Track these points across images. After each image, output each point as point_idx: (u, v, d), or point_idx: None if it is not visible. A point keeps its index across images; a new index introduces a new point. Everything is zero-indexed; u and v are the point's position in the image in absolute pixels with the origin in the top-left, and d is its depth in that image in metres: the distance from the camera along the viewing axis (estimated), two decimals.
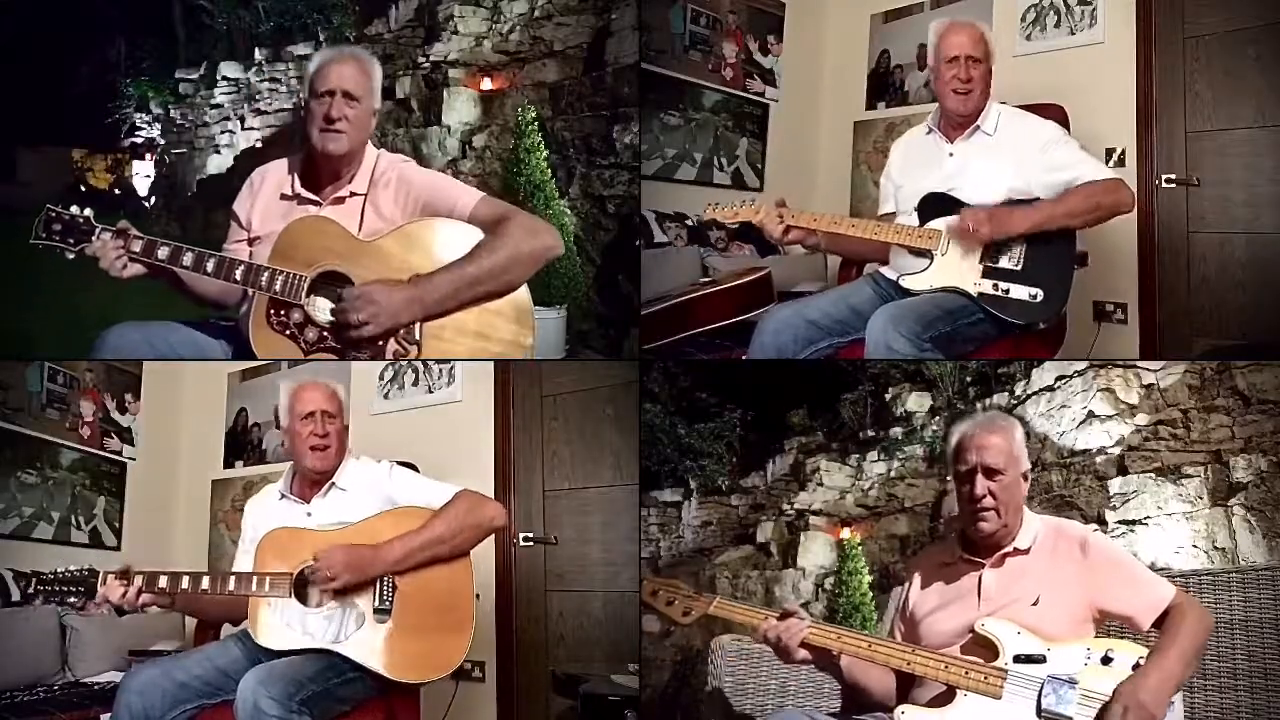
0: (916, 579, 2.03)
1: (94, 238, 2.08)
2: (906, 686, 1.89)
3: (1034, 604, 1.83)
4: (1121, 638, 1.83)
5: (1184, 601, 1.81)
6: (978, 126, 2.60)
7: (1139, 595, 1.82)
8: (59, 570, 2.17)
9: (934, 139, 2.67)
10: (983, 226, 2.43)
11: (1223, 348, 3.44)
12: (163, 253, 2.10)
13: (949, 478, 4.30)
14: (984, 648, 1.81)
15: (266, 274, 2.09)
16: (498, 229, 2.12)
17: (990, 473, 1.87)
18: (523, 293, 2.17)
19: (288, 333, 2.10)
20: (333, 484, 2.38)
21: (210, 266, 2.10)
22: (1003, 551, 1.91)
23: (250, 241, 2.25)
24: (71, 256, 2.09)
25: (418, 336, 2.10)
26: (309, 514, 2.36)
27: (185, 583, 2.19)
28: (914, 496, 4.47)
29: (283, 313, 2.10)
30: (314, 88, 2.18)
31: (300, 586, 2.22)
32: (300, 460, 2.39)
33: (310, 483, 2.40)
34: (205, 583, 2.20)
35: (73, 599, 2.19)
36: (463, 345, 2.13)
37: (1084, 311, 3.59)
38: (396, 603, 2.22)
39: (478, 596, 2.33)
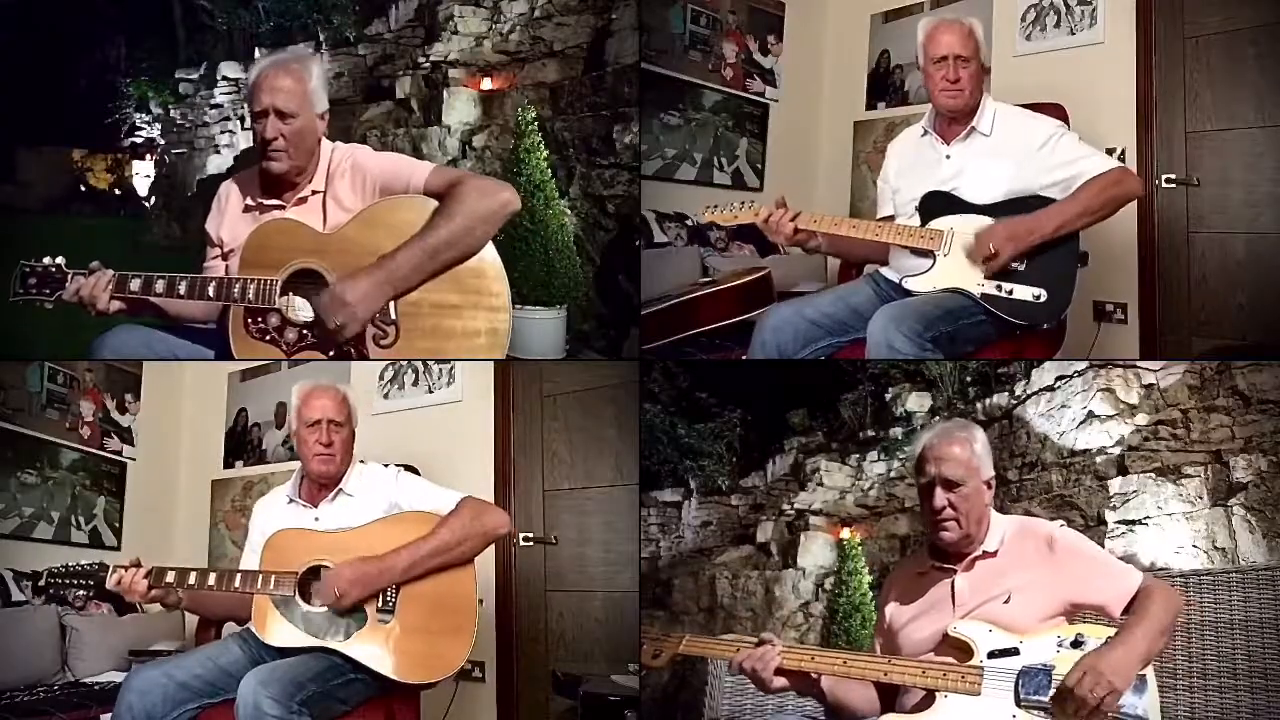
0: (892, 593, 2.05)
1: (67, 283, 2.14)
2: (891, 698, 1.91)
3: (1005, 602, 1.86)
4: (1092, 622, 1.85)
5: (1152, 585, 1.84)
6: (974, 128, 2.58)
7: (1108, 584, 1.85)
8: (69, 565, 2.23)
9: (930, 141, 2.65)
10: (1004, 247, 2.38)
11: (1223, 348, 3.44)
12: (135, 284, 2.14)
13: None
14: (958, 650, 1.84)
15: (238, 285, 2.12)
16: (451, 195, 2.13)
17: (949, 484, 1.90)
18: (490, 252, 2.17)
19: (267, 338, 2.13)
20: (340, 490, 2.41)
21: (182, 289, 2.14)
22: (972, 556, 1.93)
23: (224, 256, 2.28)
24: (50, 306, 2.16)
25: (393, 316, 2.12)
26: (316, 519, 2.39)
27: (192, 579, 2.23)
28: (914, 496, 4.46)
29: (260, 319, 2.13)
30: (251, 106, 2.20)
31: (305, 585, 2.24)
32: (306, 464, 2.42)
33: (318, 487, 2.43)
34: (212, 579, 2.24)
35: (82, 592, 2.23)
36: (440, 317, 2.15)
37: (1084, 311, 3.59)
38: (399, 604, 2.24)
39: (480, 602, 2.35)
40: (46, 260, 2.15)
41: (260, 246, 2.15)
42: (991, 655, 1.79)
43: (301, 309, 2.12)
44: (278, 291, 2.12)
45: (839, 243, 2.67)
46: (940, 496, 1.89)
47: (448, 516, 2.30)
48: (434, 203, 2.15)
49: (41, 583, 2.24)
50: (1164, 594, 1.82)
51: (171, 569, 2.24)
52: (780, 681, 1.88)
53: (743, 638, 1.97)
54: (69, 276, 2.14)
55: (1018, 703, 1.74)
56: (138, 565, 2.23)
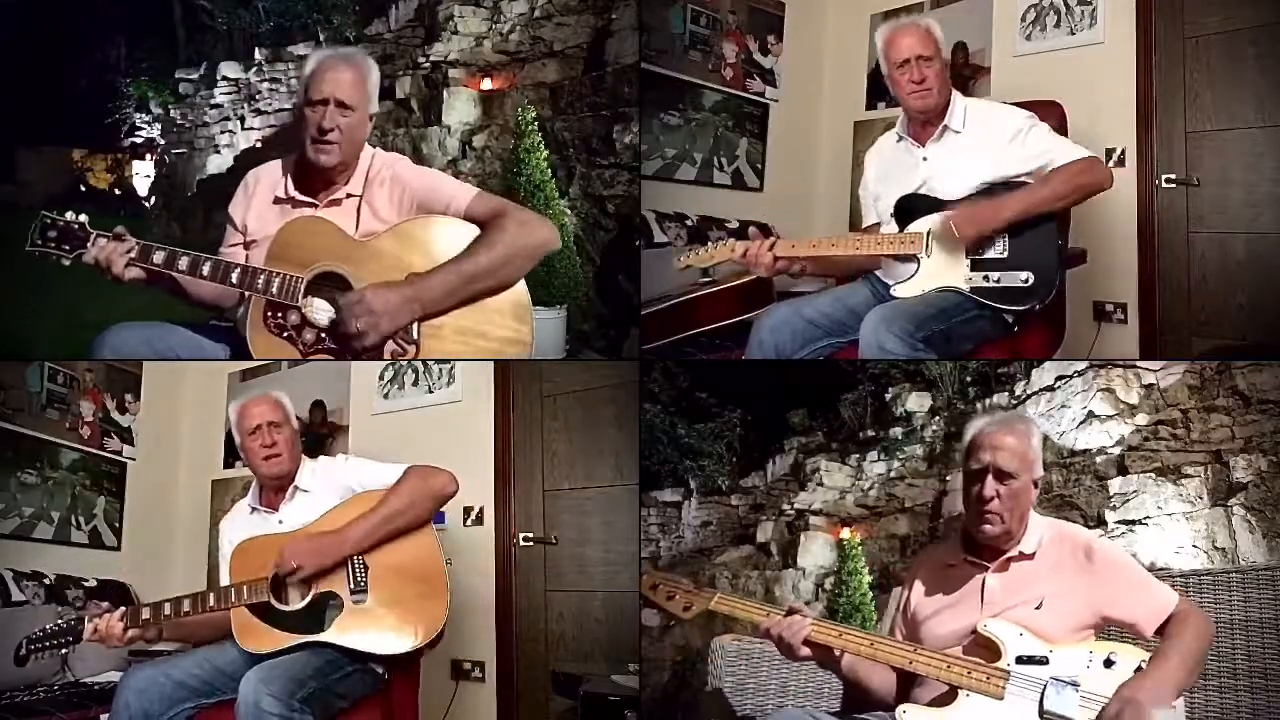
0: (918, 580, 2.02)
1: (89, 244, 2.09)
2: (907, 686, 1.89)
3: (1037, 608, 1.83)
4: (1125, 641, 1.82)
5: (1187, 608, 1.81)
6: (946, 126, 2.58)
7: (1143, 602, 1.82)
8: (46, 627, 2.20)
9: (905, 145, 2.65)
10: (969, 228, 2.40)
11: (1223, 348, 3.44)
12: (158, 257, 2.10)
13: (949, 477, 4.31)
14: (986, 649, 1.81)
15: (263, 277, 2.09)
16: (494, 225, 2.12)
17: (1002, 475, 1.85)
18: (520, 288, 2.17)
19: (285, 335, 2.11)
20: (296, 487, 2.44)
21: (206, 270, 2.10)
22: (1007, 556, 1.90)
23: (246, 245, 2.25)
24: (68, 263, 2.10)
25: (415, 336, 2.10)
26: (280, 522, 2.41)
27: (168, 610, 2.22)
28: (914, 496, 4.47)
29: (280, 315, 2.10)
30: (308, 93, 2.16)
31: (277, 589, 2.25)
32: (258, 471, 2.45)
33: (274, 491, 2.46)
34: (187, 604, 2.23)
35: (64, 650, 2.22)
36: (461, 343, 2.14)
37: (1084, 311, 3.59)
38: (370, 583, 2.26)
39: (449, 562, 2.37)
40: (69, 215, 2.09)
41: (288, 243, 2.12)
42: (1019, 660, 1.76)
43: (320, 311, 2.10)
44: (302, 290, 2.09)
45: (823, 262, 2.65)
46: (991, 486, 1.85)
47: (395, 485, 2.33)
48: (470, 227, 2.14)
49: (23, 652, 2.18)
50: (1198, 621, 1.80)
51: (146, 605, 2.24)
52: (806, 651, 1.87)
53: (771, 606, 1.96)
54: (92, 237, 2.09)
55: (1041, 714, 1.71)
56: (110, 610, 2.22)
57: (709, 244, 2.67)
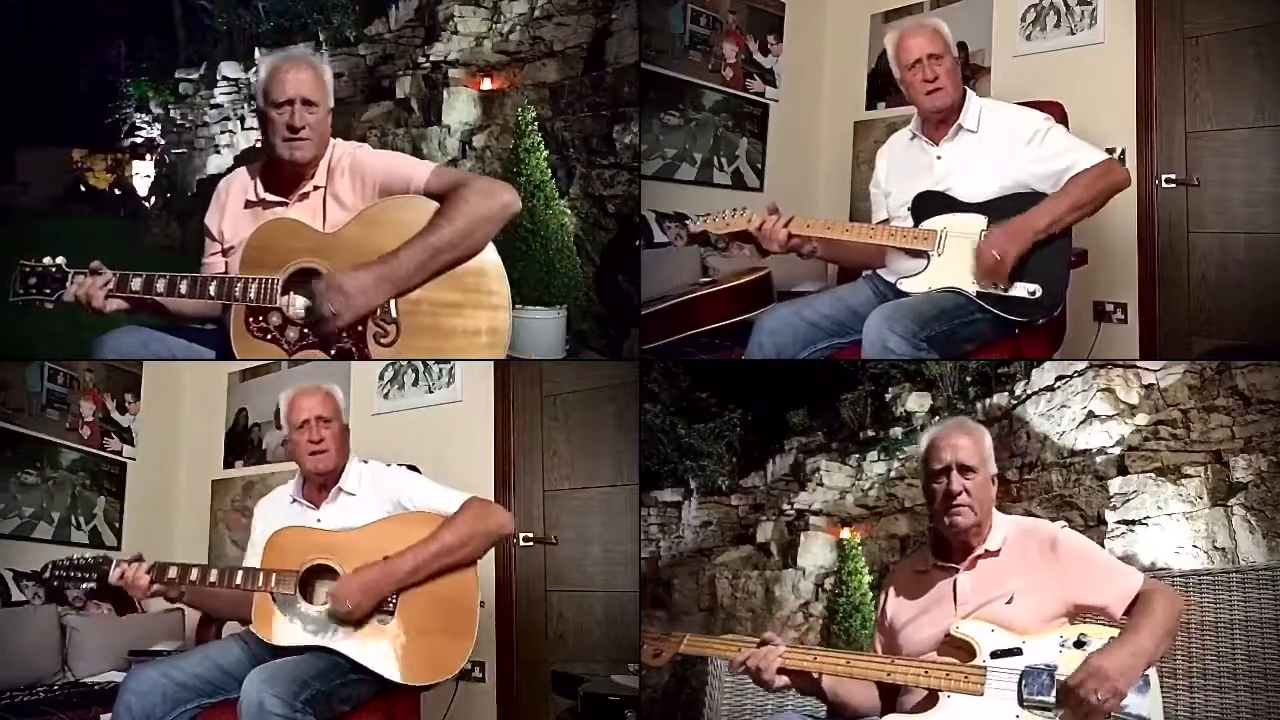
0: (892, 590, 2.06)
1: (68, 283, 2.12)
2: (892, 696, 1.91)
3: (1008, 603, 1.87)
4: (1094, 623, 1.85)
5: (1154, 586, 1.86)
6: (960, 125, 2.57)
7: (1110, 586, 1.86)
8: (74, 558, 2.22)
9: (919, 144, 2.65)
10: (1008, 250, 2.38)
11: (1223, 348, 3.44)
12: (136, 284, 2.14)
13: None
14: (961, 649, 1.85)
15: (239, 284, 2.12)
16: (454, 196, 2.13)
17: (964, 470, 1.93)
18: (489, 252, 2.18)
19: (268, 337, 2.13)
20: (340, 489, 2.41)
21: (184, 288, 2.13)
22: (974, 554, 1.95)
23: (225, 253, 2.28)
24: (50, 306, 2.14)
25: (394, 315, 2.12)
26: (319, 520, 2.39)
27: (194, 575, 2.23)
28: (914, 496, 4.47)
29: (261, 318, 2.13)
30: (270, 96, 2.19)
31: (306, 584, 2.25)
32: (302, 465, 2.43)
33: (318, 487, 2.43)
34: (214, 576, 2.23)
35: (85, 585, 2.22)
36: (438, 315, 2.15)
37: (1084, 311, 3.59)
38: (399, 605, 2.24)
39: (482, 604, 2.35)
40: (47, 260, 2.13)
41: (262, 246, 2.15)
42: (994, 655, 1.80)
43: (300, 308, 2.12)
44: (279, 290, 2.11)
45: (834, 247, 2.65)
46: (957, 481, 1.92)
47: (452, 517, 2.29)
48: (434, 204, 2.14)
49: (46, 575, 2.21)
50: (1166, 595, 1.83)
51: (174, 565, 2.24)
52: (782, 680, 1.90)
53: (743, 638, 1.98)
54: (69, 276, 2.13)
55: (1021, 703, 1.74)
56: (140, 560, 2.23)
57: (725, 212, 2.67)
